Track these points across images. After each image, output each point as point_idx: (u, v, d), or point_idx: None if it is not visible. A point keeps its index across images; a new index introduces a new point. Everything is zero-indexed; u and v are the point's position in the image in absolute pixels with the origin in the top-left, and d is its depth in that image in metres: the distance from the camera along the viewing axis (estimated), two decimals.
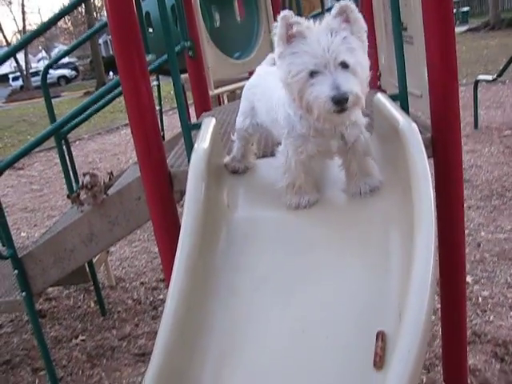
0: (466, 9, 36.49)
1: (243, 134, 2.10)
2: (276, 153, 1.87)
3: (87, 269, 3.72)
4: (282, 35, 1.60)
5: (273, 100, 1.85)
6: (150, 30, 5.43)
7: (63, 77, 38.50)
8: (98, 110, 3.43)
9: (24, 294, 2.88)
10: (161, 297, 4.10)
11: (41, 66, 51.25)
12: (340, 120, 1.65)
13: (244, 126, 2.09)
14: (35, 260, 2.84)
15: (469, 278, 3.58)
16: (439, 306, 2.45)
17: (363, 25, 1.63)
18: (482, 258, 3.88)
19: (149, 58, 2.34)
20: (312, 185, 1.85)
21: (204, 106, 3.61)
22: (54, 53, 60.29)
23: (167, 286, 1.53)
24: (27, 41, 3.05)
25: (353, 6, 1.60)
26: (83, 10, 32.25)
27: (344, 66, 1.55)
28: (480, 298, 3.38)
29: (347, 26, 1.59)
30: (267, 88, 1.91)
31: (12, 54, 3.02)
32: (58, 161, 9.29)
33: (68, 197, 3.06)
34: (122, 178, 3.27)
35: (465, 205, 4.64)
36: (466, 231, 4.22)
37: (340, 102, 1.51)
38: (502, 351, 2.85)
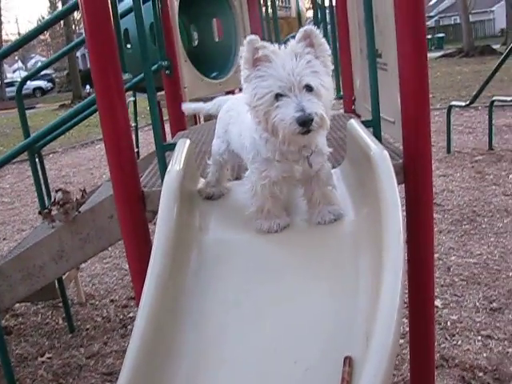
0: (441, 35, 37.34)
1: (218, 158, 2.11)
2: (244, 178, 1.89)
3: (56, 285, 3.67)
4: (248, 59, 1.64)
5: (244, 124, 1.87)
6: (129, 45, 5.44)
7: (39, 88, 38.20)
8: (73, 126, 3.41)
9: None
10: (131, 315, 4.05)
11: (16, 76, 50.79)
12: (305, 141, 1.68)
13: (220, 150, 2.10)
14: (3, 276, 2.80)
15: (438, 302, 3.62)
16: (408, 329, 2.47)
17: (327, 49, 1.67)
18: (452, 282, 3.93)
19: (125, 76, 2.35)
20: (281, 209, 1.86)
21: (179, 125, 3.62)
22: (31, 64, 59.90)
23: (137, 305, 1.52)
24: (4, 55, 3.03)
25: (316, 31, 1.65)
26: (62, 22, 32.12)
27: (308, 88, 1.58)
28: (449, 322, 3.41)
29: (311, 50, 1.63)
30: (241, 112, 1.93)
31: None
32: (30, 173, 9.21)
33: (39, 212, 3.03)
34: (95, 194, 3.25)
35: (436, 229, 4.75)
36: (437, 255, 4.29)
37: (305, 123, 1.54)
38: (469, 375, 2.88)
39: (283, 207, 1.88)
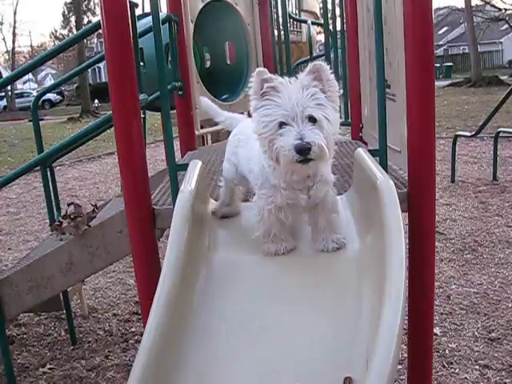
0: (449, 64, 37.58)
1: (229, 182, 2.18)
2: (251, 203, 1.95)
3: (61, 297, 3.72)
4: (256, 90, 1.72)
5: (253, 150, 1.93)
6: (142, 63, 5.53)
7: (48, 100, 38.42)
8: (85, 142, 3.48)
9: None
10: (133, 329, 4.09)
11: (26, 87, 51.25)
12: (304, 171, 1.74)
13: (229, 175, 2.17)
14: (11, 285, 2.85)
15: (437, 330, 3.64)
16: (406, 355, 2.50)
17: (335, 85, 1.74)
18: (452, 311, 3.96)
19: (141, 97, 2.42)
20: (287, 233, 1.92)
21: (189, 144, 3.69)
22: (41, 76, 60.41)
23: (143, 321, 1.57)
24: (18, 76, 3.11)
25: (325, 66, 1.72)
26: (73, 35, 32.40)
27: (311, 119, 1.65)
28: (447, 350, 3.44)
29: (319, 83, 1.70)
30: (250, 136, 1.99)
31: (5, 85, 3.08)
32: (36, 185, 9.31)
33: (50, 225, 3.09)
34: (104, 210, 3.31)
35: (437, 257, 4.79)
36: (437, 283, 4.32)
37: (302, 151, 1.61)
38: None
39: (289, 231, 1.93)
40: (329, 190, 1.88)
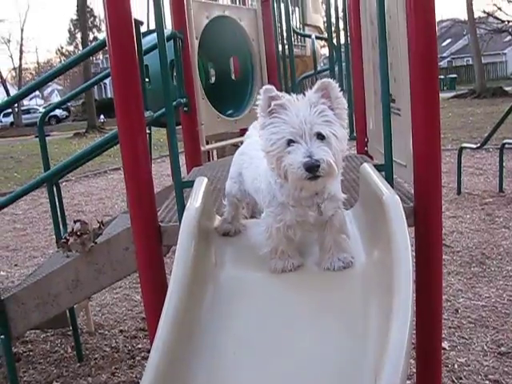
0: (453, 76, 37.64)
1: (232, 199, 2.18)
2: (259, 220, 1.95)
3: (67, 313, 3.72)
4: (264, 107, 1.72)
5: (258, 169, 1.93)
6: (147, 79, 5.57)
7: (54, 116, 38.67)
8: (91, 159, 3.49)
9: (3, 336, 2.87)
10: (139, 346, 4.08)
11: (33, 103, 51.59)
12: (313, 187, 1.74)
13: (232, 191, 2.16)
14: (18, 303, 2.86)
15: (445, 344, 3.62)
16: (415, 370, 2.49)
17: (343, 103, 1.74)
18: (460, 325, 3.93)
19: (146, 114, 2.44)
20: (295, 250, 1.91)
21: (195, 160, 3.70)
22: (47, 92, 60.83)
23: (150, 338, 1.56)
24: (26, 94, 3.14)
25: (334, 84, 1.72)
26: (79, 51, 32.70)
27: (320, 137, 1.65)
28: (456, 365, 3.41)
29: (327, 101, 1.70)
30: (255, 157, 1.99)
31: (12, 103, 3.10)
32: (43, 201, 9.33)
33: (57, 241, 3.09)
34: (110, 226, 3.31)
35: (444, 270, 4.76)
36: (445, 297, 4.29)
37: (311, 169, 1.61)
38: None
39: (296, 248, 1.93)
40: (338, 209, 1.87)
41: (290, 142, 1.65)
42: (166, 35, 2.31)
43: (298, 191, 1.76)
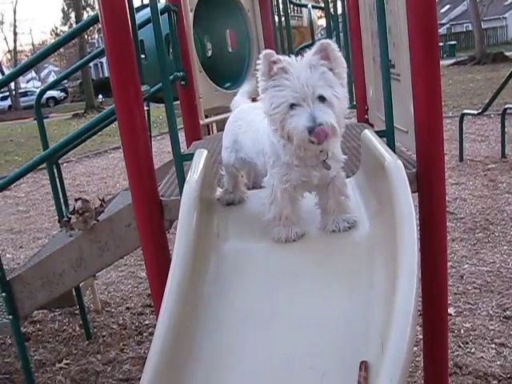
0: (453, 42, 37.27)
1: (231, 169, 2.16)
2: (262, 184, 1.94)
3: (73, 292, 3.73)
4: (264, 72, 1.71)
5: (259, 131, 1.93)
6: (143, 56, 5.51)
7: (52, 98, 38.51)
8: (90, 137, 3.47)
9: (11, 317, 2.89)
10: (146, 322, 4.10)
11: (30, 86, 51.38)
12: (318, 148, 1.73)
13: (230, 161, 2.14)
14: (24, 283, 2.86)
15: (451, 310, 3.63)
16: (421, 337, 2.49)
17: (342, 62, 1.73)
18: (465, 290, 3.94)
19: (143, 88, 2.40)
20: (298, 216, 1.91)
21: (194, 135, 3.68)
22: (44, 73, 60.51)
23: (155, 313, 1.56)
24: (21, 71, 3.10)
25: (333, 44, 1.71)
26: None
27: (321, 99, 1.65)
28: (462, 330, 3.43)
29: (326, 62, 1.69)
30: (252, 121, 1.99)
31: (6, 82, 3.07)
32: (44, 182, 9.33)
33: (59, 221, 3.09)
34: (112, 204, 3.30)
35: (448, 237, 4.76)
36: (450, 263, 4.30)
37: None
38: (483, 383, 2.89)
39: (300, 215, 1.92)
40: (339, 170, 1.87)
41: (292, 106, 1.65)
42: (159, 8, 2.27)
43: (302, 151, 1.74)
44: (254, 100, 2.25)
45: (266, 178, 1.92)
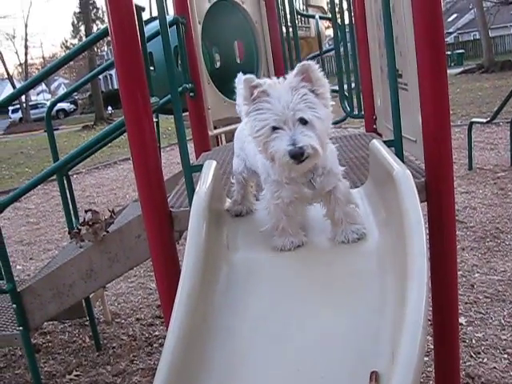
0: (460, 51, 37.25)
1: (240, 177, 2.18)
2: (260, 196, 1.99)
3: (83, 304, 3.74)
4: (246, 96, 1.75)
5: None
6: (152, 68, 5.55)
7: (62, 110, 38.77)
8: (100, 148, 3.49)
9: (21, 328, 2.90)
10: (156, 333, 4.10)
11: (40, 98, 51.75)
12: (301, 169, 1.77)
13: (239, 169, 2.18)
14: (34, 294, 2.87)
15: (462, 320, 3.60)
16: (432, 347, 2.48)
17: (325, 83, 1.76)
18: (476, 300, 3.91)
19: (152, 100, 2.42)
20: (297, 227, 1.93)
21: (203, 146, 3.69)
22: (54, 86, 60.95)
23: (165, 324, 1.57)
24: (32, 85, 3.13)
25: (314, 66, 1.73)
26: None
27: (302, 121, 1.68)
28: (473, 340, 3.40)
29: (308, 84, 1.72)
30: None
31: (17, 96, 3.09)
32: (55, 194, 9.38)
33: (69, 232, 3.10)
34: (122, 215, 3.32)
35: (459, 246, 4.74)
36: (460, 272, 4.27)
37: (296, 156, 1.65)
38: None
39: (299, 225, 1.94)
40: (338, 182, 1.89)
41: (274, 128, 1.69)
42: (168, 21, 2.29)
43: (287, 172, 1.79)
44: None
45: (263, 191, 1.96)
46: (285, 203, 1.86)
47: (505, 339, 3.37)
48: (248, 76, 1.76)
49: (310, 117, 1.68)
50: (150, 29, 3.84)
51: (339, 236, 1.89)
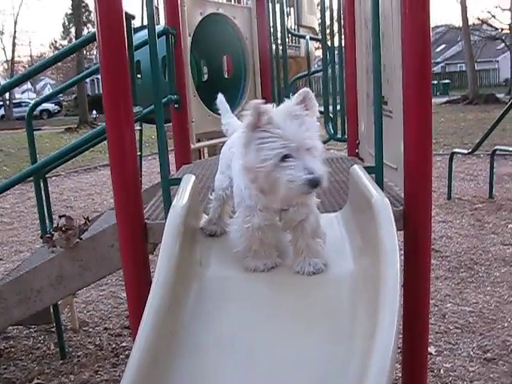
0: (446, 81, 37.86)
1: (221, 193, 2.14)
2: (232, 219, 1.96)
3: (51, 310, 3.67)
4: (252, 123, 1.67)
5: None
6: (139, 75, 5.52)
7: (46, 110, 38.45)
8: (80, 153, 3.45)
9: None
10: (124, 344, 4.03)
11: (25, 97, 51.32)
12: (305, 199, 1.77)
13: (223, 185, 2.13)
14: (0, 298, 2.81)
15: (432, 349, 3.60)
16: (400, 375, 2.46)
17: (317, 111, 1.75)
18: (447, 330, 3.92)
19: (135, 109, 2.40)
20: (269, 249, 1.90)
21: (184, 158, 3.67)
22: (40, 86, 60.51)
23: (133, 334, 1.53)
24: (16, 83, 3.09)
25: (311, 93, 1.72)
26: None
27: (308, 149, 1.66)
28: (442, 370, 3.39)
29: (308, 112, 1.71)
30: None
31: (1, 93, 3.05)
32: (31, 195, 9.26)
33: (41, 237, 3.05)
34: (97, 222, 3.28)
35: (433, 275, 4.76)
36: (432, 301, 4.28)
37: (315, 185, 1.63)
38: None
39: (273, 248, 1.92)
40: (310, 214, 1.86)
41: (284, 157, 1.64)
42: (158, 31, 2.27)
43: (276, 202, 1.77)
44: None
45: (236, 213, 1.93)
46: (255, 229, 1.84)
47: (472, 371, 3.37)
48: (257, 101, 1.70)
49: (315, 146, 1.67)
50: (140, 37, 3.83)
51: (296, 266, 1.87)
